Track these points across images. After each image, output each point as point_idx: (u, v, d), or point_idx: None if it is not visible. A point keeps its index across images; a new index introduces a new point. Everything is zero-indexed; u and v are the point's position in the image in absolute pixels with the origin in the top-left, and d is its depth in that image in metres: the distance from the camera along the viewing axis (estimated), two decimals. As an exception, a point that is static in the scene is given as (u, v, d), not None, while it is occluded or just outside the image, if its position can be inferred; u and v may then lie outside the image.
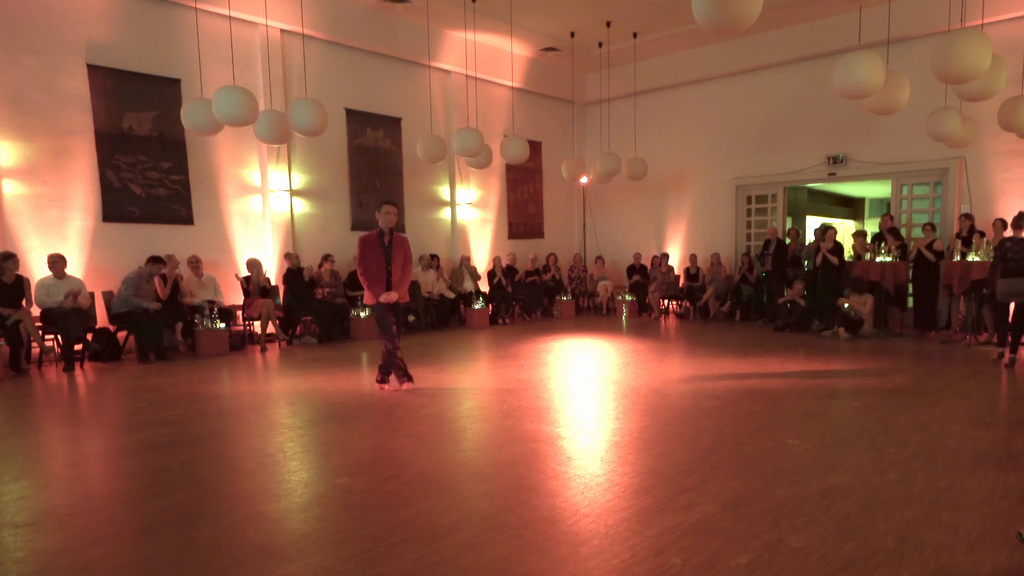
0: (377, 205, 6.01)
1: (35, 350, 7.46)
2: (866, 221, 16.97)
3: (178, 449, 4.28)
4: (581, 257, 14.10)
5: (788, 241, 11.13)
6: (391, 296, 5.93)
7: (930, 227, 9.52)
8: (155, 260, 8.14)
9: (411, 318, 10.47)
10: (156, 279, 8.42)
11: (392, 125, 11.36)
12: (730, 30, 4.69)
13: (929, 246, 9.31)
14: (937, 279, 9.16)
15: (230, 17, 8.62)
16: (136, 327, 7.88)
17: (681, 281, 12.73)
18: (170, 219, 8.91)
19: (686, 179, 13.26)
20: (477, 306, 11.30)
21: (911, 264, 9.49)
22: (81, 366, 7.54)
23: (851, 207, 16.86)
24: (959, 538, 2.80)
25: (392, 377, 6.22)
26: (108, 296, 8.21)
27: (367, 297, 6.00)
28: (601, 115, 14.00)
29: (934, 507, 3.14)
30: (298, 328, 9.58)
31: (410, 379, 6.15)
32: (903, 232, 10.35)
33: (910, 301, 9.90)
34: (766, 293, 11.42)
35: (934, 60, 6.05)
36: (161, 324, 8.09)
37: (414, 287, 10.64)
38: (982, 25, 7.96)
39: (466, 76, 11.39)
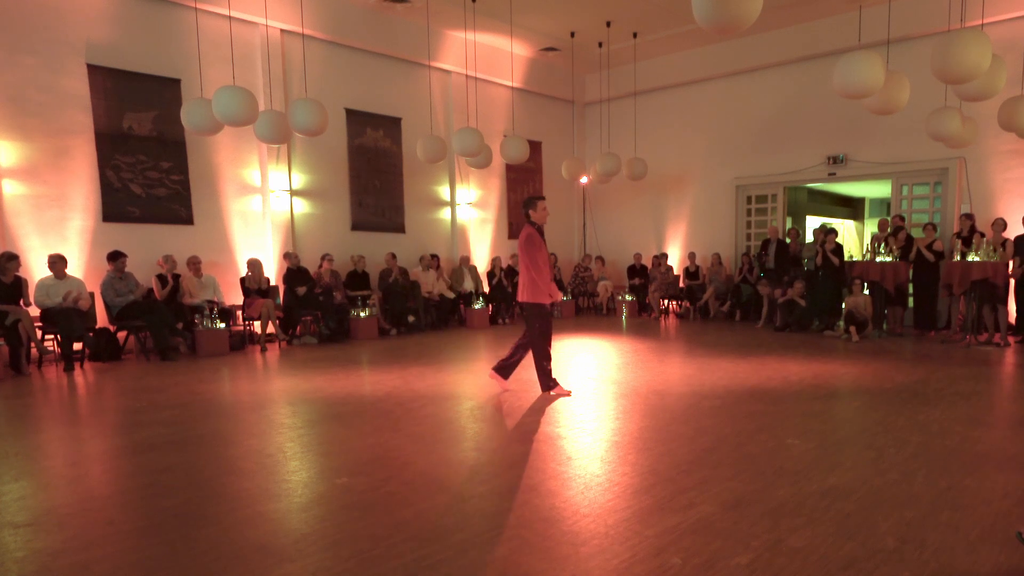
0: (528, 201, 5.68)
1: (35, 350, 7.46)
2: (866, 221, 16.98)
3: (178, 449, 4.28)
4: (591, 258, 13.99)
5: (788, 241, 11.14)
6: (559, 295, 5.76)
7: (931, 227, 9.51)
8: (115, 256, 8.01)
9: (411, 318, 10.48)
10: (154, 279, 8.43)
11: (392, 125, 11.36)
12: (730, 30, 4.69)
13: (929, 246, 9.29)
14: (937, 279, 9.15)
15: (230, 17, 8.62)
16: (148, 322, 7.90)
17: (681, 281, 12.74)
18: (170, 219, 8.92)
19: (686, 179, 13.26)
20: (477, 306, 11.30)
21: (911, 264, 9.48)
22: (81, 366, 7.53)
23: (851, 207, 16.86)
24: (959, 538, 2.80)
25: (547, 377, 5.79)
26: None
27: (540, 296, 5.60)
28: (601, 115, 13.99)
29: (934, 507, 3.14)
30: (298, 328, 9.58)
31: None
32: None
33: (911, 301, 9.90)
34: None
35: (934, 60, 6.05)
36: (169, 317, 8.11)
37: (415, 287, 10.65)
38: (982, 25, 7.95)
39: (466, 76, 11.38)
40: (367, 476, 3.70)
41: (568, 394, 5.75)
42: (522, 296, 5.74)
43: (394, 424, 4.87)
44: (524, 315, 5.82)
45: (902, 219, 10.11)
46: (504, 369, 5.94)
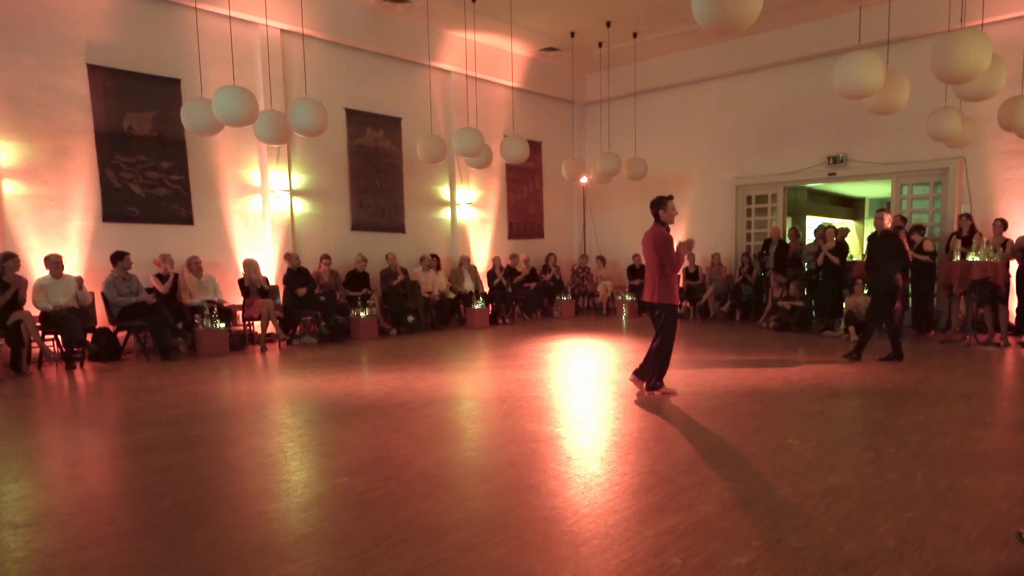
0: (658, 201, 5.75)
1: (35, 350, 7.46)
2: (866, 221, 16.97)
3: (178, 449, 4.28)
4: (589, 258, 13.99)
5: (788, 241, 11.14)
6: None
7: (917, 229, 9.47)
8: (118, 256, 8.02)
9: (410, 318, 10.48)
10: (153, 278, 8.43)
11: (392, 125, 11.36)
12: (730, 30, 4.69)
13: (919, 248, 9.25)
14: (930, 279, 9.14)
15: (230, 17, 8.62)
16: (148, 322, 7.90)
17: (681, 281, 12.74)
18: (170, 219, 8.91)
19: (686, 179, 13.25)
20: (477, 306, 11.30)
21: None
22: (81, 366, 7.53)
23: (851, 207, 16.86)
24: (959, 538, 2.80)
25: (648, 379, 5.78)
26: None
27: (672, 297, 5.66)
28: (601, 115, 13.99)
29: (934, 507, 3.14)
30: (298, 328, 9.58)
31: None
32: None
33: (910, 301, 9.89)
34: (766, 293, 11.42)
35: (934, 60, 6.05)
36: (170, 316, 8.10)
37: (414, 287, 10.65)
38: (982, 25, 7.94)
39: (466, 76, 11.38)
40: (367, 476, 3.70)
41: (675, 392, 5.74)
42: (652, 297, 5.68)
43: (394, 424, 4.87)
44: (655, 316, 5.72)
45: (904, 219, 10.10)
46: (660, 373, 5.80)
